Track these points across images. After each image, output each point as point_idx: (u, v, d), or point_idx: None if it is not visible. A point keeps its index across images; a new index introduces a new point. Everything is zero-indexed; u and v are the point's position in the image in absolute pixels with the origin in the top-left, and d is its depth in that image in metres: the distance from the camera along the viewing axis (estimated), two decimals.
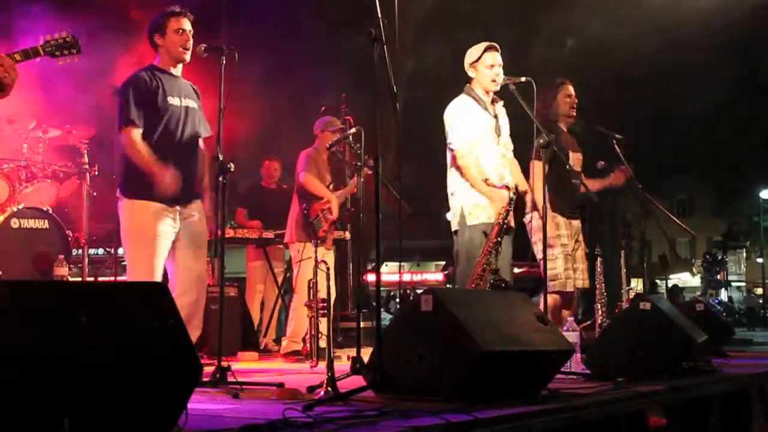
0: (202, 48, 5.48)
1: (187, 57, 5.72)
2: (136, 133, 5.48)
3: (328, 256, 7.63)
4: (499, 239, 5.96)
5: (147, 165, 5.43)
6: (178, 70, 5.80)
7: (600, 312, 6.85)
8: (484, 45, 6.39)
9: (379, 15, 4.65)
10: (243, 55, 5.31)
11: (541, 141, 6.03)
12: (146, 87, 5.60)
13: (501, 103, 6.52)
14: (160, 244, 5.57)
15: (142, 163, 5.45)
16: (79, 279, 7.52)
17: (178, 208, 5.66)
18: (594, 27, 13.30)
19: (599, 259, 7.06)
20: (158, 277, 5.55)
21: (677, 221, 7.62)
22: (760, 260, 33.44)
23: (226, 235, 5.20)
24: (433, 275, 43.31)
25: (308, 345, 6.67)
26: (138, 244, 5.62)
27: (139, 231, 5.58)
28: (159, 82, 5.64)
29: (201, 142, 5.80)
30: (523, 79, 6.15)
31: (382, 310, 4.38)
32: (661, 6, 13.45)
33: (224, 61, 5.26)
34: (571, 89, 7.30)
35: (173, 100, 5.66)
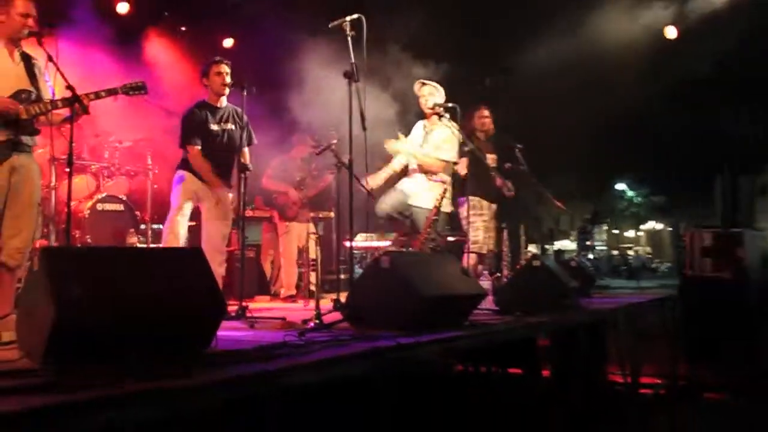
0: (229, 84, 5.46)
1: (226, 91, 5.75)
2: (197, 150, 5.64)
3: (308, 228, 7.62)
4: (436, 218, 5.96)
5: (204, 172, 5.63)
6: (221, 102, 5.80)
7: (506, 268, 6.90)
8: (418, 81, 6.33)
9: (351, 57, 4.64)
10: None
11: (465, 149, 6.09)
12: (196, 117, 5.69)
13: (447, 117, 6.03)
14: (184, 208, 5.60)
15: (202, 172, 5.63)
16: (145, 246, 7.47)
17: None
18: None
19: (505, 231, 7.11)
20: (181, 232, 5.56)
21: (559, 205, 7.65)
22: (615, 231, 33.97)
23: (247, 214, 5.21)
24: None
25: (302, 291, 6.72)
26: (172, 203, 5.66)
27: (175, 194, 5.66)
28: (205, 113, 5.71)
29: (246, 153, 5.71)
30: (450, 104, 6.05)
31: (355, 266, 4.38)
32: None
33: (245, 93, 5.24)
34: (485, 111, 7.31)
35: (214, 126, 5.71)
